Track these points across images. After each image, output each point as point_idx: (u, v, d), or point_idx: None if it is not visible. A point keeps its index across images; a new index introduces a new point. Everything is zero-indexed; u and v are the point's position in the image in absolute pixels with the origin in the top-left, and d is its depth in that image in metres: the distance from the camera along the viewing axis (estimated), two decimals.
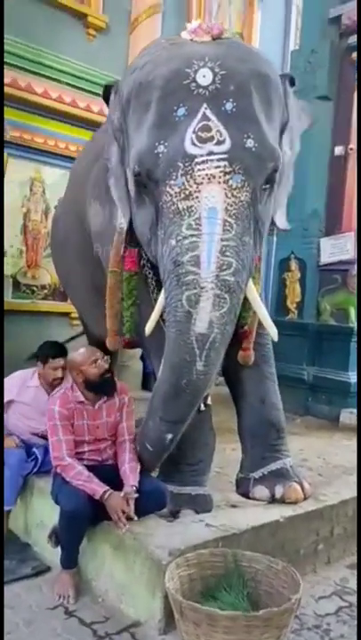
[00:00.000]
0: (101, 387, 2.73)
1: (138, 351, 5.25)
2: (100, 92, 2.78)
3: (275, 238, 5.74)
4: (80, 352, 2.79)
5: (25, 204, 5.67)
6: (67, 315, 5.90)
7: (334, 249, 5.53)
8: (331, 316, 5.56)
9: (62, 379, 3.00)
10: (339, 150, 5.70)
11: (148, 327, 2.48)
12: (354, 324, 5.35)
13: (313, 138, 5.53)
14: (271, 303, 5.80)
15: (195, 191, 2.06)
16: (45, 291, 5.91)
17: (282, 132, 2.46)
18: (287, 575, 2.20)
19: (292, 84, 2.51)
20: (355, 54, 5.41)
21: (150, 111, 2.18)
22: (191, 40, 2.31)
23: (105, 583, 2.53)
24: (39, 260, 5.84)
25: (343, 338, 5.34)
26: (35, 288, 5.84)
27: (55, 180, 5.65)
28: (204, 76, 2.10)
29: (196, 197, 2.06)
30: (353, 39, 5.42)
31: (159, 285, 2.57)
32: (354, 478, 3.41)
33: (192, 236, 2.05)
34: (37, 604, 2.46)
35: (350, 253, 5.40)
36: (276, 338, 2.43)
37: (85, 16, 5.77)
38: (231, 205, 2.06)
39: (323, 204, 5.75)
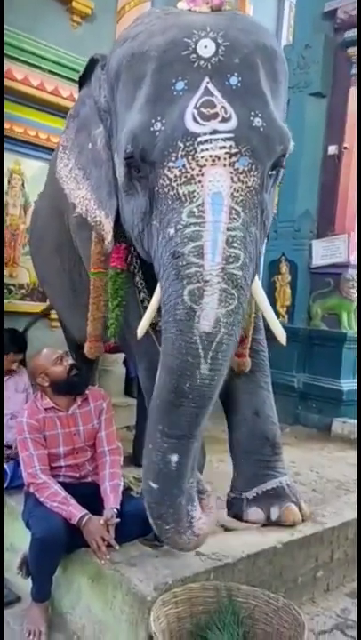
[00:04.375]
0: (71, 386, 2.48)
1: (121, 355, 5.00)
2: None
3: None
4: (41, 354, 2.55)
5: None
6: (45, 316, 5.60)
7: (327, 251, 5.33)
8: (322, 321, 5.36)
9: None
10: (332, 149, 5.51)
11: (141, 329, 2.20)
12: (346, 329, 5.16)
13: (305, 136, 5.36)
14: None
15: (197, 174, 1.80)
16: (23, 290, 5.59)
17: None
18: (288, 614, 1.95)
19: None
20: (350, 50, 5.23)
21: (144, 85, 1.91)
22: (189, 10, 2.05)
23: (81, 618, 2.25)
24: (17, 258, 5.51)
25: (335, 344, 5.14)
26: (12, 287, 5.51)
27: (35, 172, 5.33)
28: (206, 47, 1.84)
29: (199, 181, 1.80)
30: (349, 34, 5.24)
31: (148, 286, 2.32)
32: (351, 496, 3.18)
33: (194, 224, 1.79)
34: None
35: (343, 256, 5.20)
36: (284, 342, 2.15)
37: (70, 1, 5.47)
38: (237, 191, 1.81)
39: (315, 205, 5.56)
